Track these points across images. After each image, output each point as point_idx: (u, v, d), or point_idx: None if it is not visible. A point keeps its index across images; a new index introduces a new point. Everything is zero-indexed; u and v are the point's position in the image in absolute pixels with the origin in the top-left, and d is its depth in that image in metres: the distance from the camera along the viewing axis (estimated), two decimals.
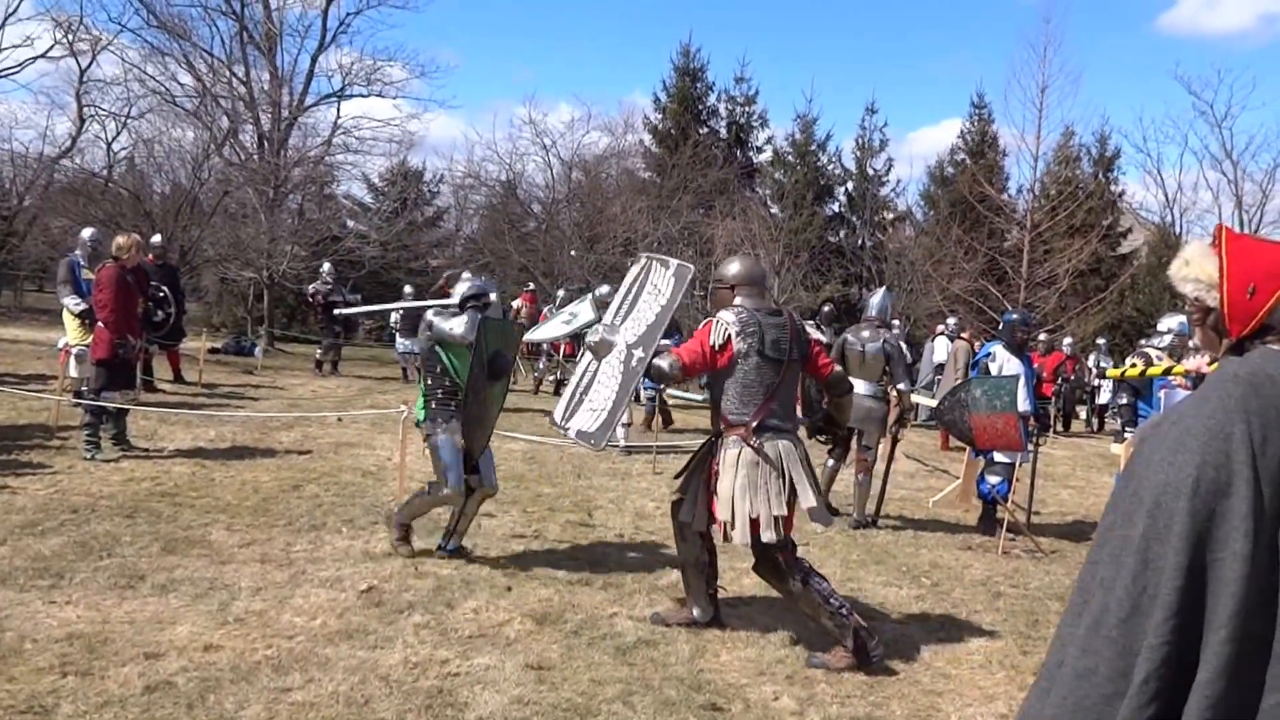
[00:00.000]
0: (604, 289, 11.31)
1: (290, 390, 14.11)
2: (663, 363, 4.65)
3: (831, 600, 4.52)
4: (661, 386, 15.18)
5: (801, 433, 5.16)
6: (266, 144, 24.11)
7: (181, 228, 18.00)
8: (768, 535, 4.42)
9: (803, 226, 28.20)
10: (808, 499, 4.53)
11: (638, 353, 4.79)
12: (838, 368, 5.10)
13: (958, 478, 9.23)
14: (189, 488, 7.31)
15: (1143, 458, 2.30)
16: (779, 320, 4.73)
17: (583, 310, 10.90)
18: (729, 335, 4.59)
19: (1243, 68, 67.25)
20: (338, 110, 26.44)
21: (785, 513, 4.46)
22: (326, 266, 17.84)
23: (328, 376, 16.44)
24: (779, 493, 4.47)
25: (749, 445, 4.52)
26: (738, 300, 4.76)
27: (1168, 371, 7.22)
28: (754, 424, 4.57)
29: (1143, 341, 9.58)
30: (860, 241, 30.44)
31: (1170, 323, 8.25)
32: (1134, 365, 8.05)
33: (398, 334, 17.73)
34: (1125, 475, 2.37)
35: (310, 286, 17.66)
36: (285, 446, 9.28)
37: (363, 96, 26.75)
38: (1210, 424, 2.21)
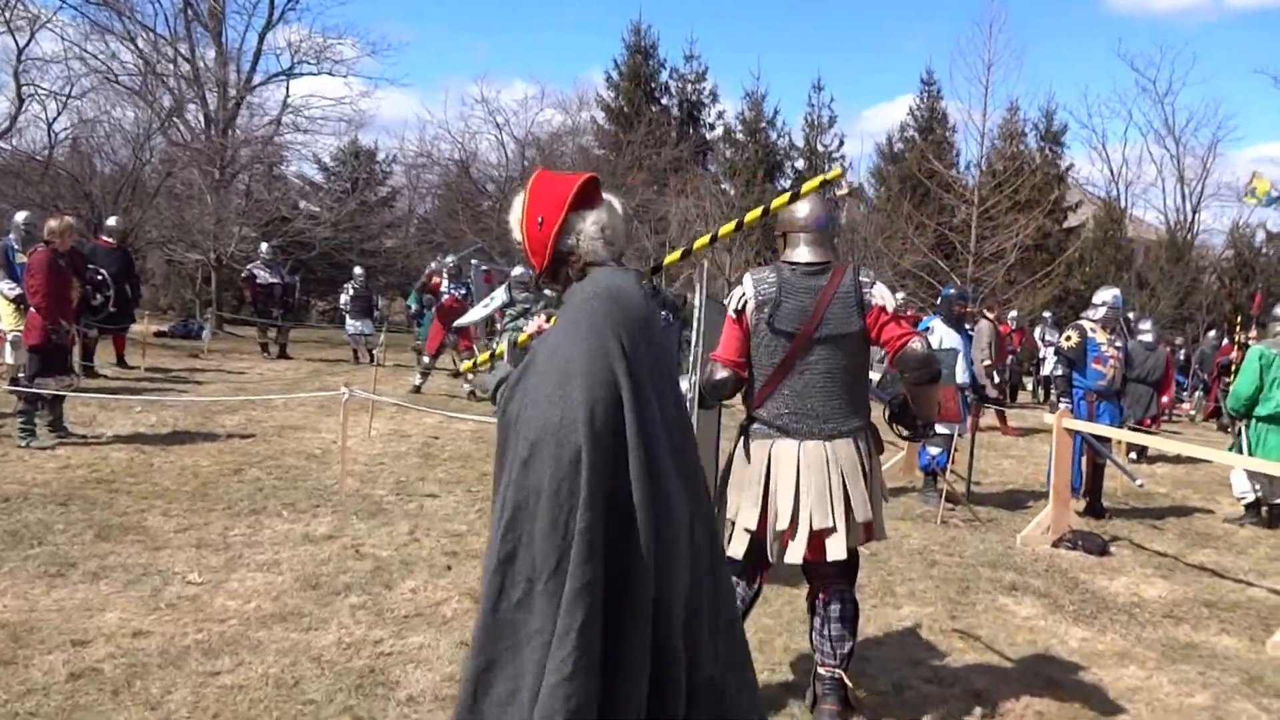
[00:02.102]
0: (518, 270, 11.40)
1: (237, 374, 13.93)
2: (713, 374, 3.77)
3: None
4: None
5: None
6: (212, 124, 23.66)
7: (123, 209, 17.61)
8: (734, 546, 3.63)
9: (755, 204, 28.26)
10: (780, 521, 3.57)
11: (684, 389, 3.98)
12: (915, 344, 3.56)
13: (903, 449, 9.35)
14: (126, 474, 7.21)
15: (528, 398, 2.30)
16: (814, 283, 3.61)
17: (498, 293, 11.17)
18: (745, 303, 3.68)
19: (1184, 44, 68.32)
20: (286, 89, 26.08)
21: (753, 526, 3.61)
22: (264, 247, 17.56)
23: (276, 359, 16.24)
24: (754, 503, 3.62)
25: (742, 436, 3.77)
26: (785, 256, 3.76)
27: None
28: (751, 410, 3.74)
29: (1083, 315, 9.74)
30: None
31: (1105, 295, 8.36)
32: (1068, 337, 8.19)
33: (348, 315, 17.55)
34: (508, 423, 2.37)
35: (247, 268, 17.35)
36: (228, 430, 9.18)
37: (312, 75, 26.40)
38: (588, 346, 2.25)
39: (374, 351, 15.92)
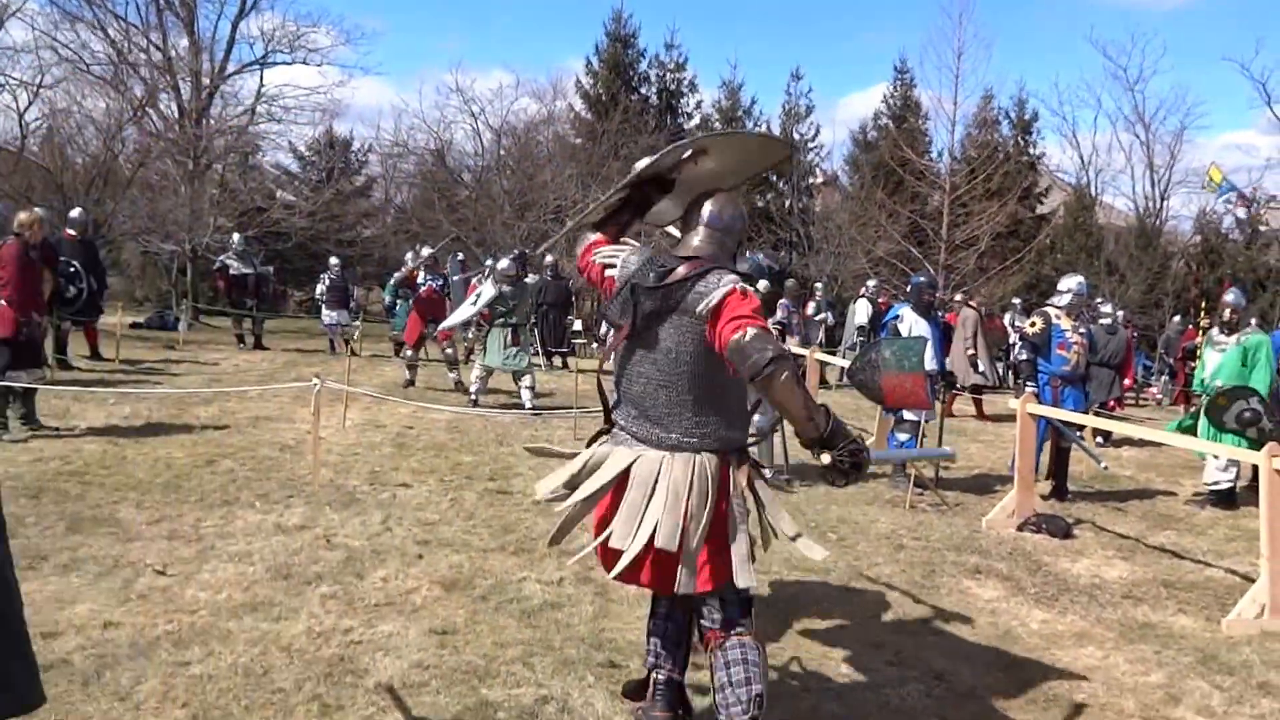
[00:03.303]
0: (504, 263, 11.40)
1: (212, 365, 13.88)
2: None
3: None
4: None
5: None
6: (186, 113, 23.47)
7: (95, 201, 17.47)
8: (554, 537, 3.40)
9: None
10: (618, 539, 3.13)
11: None
12: (741, 333, 2.96)
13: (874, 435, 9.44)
14: (99, 466, 7.19)
15: None
16: (653, 265, 3.27)
17: (486, 289, 11.11)
18: (613, 270, 3.39)
19: (1154, 32, 68.67)
20: (260, 78, 25.89)
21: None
22: (236, 238, 17.44)
23: (251, 350, 16.16)
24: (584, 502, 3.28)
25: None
26: (679, 244, 3.44)
27: None
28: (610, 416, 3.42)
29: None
30: (788, 206, 30.63)
31: (1070, 283, 8.46)
32: (1033, 323, 8.29)
33: (324, 306, 17.46)
34: None
35: (219, 259, 17.22)
36: (202, 422, 9.16)
37: (286, 64, 26.22)
38: None
39: (350, 342, 15.87)
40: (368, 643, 4.25)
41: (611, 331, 3.36)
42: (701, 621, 3.25)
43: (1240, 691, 4.26)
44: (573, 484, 3.31)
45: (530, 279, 13.03)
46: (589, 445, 3.43)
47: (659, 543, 3.02)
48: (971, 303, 14.01)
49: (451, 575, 5.19)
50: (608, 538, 3.16)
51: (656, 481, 3.11)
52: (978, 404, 13.60)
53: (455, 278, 15.28)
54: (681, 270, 3.18)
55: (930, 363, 7.87)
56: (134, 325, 18.69)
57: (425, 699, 3.76)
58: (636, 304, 3.20)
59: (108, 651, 4.00)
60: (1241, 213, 29.62)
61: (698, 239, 3.34)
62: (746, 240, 26.18)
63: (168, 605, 4.55)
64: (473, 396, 11.08)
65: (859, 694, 4.00)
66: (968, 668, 4.33)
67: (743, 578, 3.09)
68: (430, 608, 4.70)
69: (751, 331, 2.96)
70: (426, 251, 15.52)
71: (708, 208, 3.38)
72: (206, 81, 24.27)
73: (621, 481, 3.20)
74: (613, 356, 3.43)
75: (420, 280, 14.18)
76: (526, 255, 12.59)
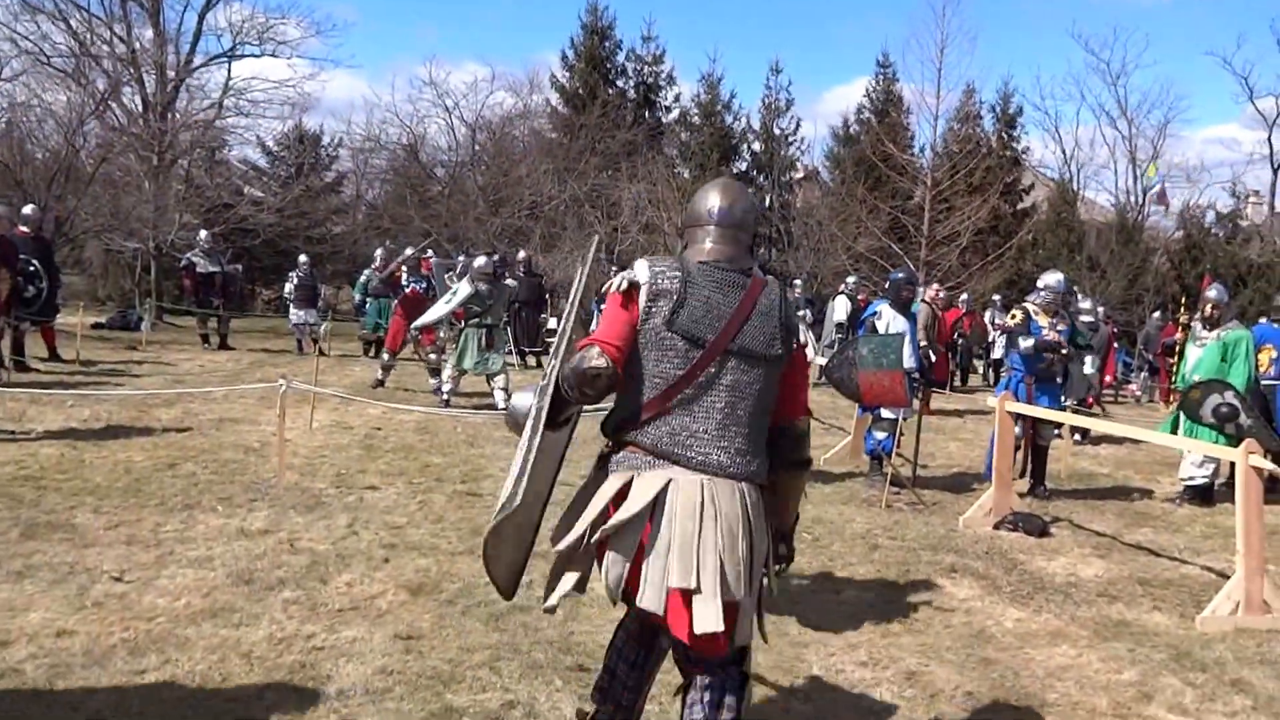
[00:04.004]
0: (480, 260, 11.24)
1: (176, 366, 13.63)
2: (585, 359, 2.76)
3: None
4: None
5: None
6: (150, 107, 23.10)
7: (56, 197, 17.14)
8: (564, 583, 2.91)
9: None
10: (613, 570, 2.74)
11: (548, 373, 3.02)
12: (803, 420, 2.99)
13: (849, 434, 9.41)
14: (56, 470, 7.01)
15: None
16: (728, 281, 2.87)
17: (461, 287, 10.93)
18: (637, 284, 2.84)
19: (1136, 25, 69.23)
20: (228, 71, 25.53)
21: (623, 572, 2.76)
22: (203, 235, 17.15)
23: (216, 350, 15.90)
24: (630, 543, 2.76)
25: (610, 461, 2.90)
26: (688, 251, 3.01)
27: None
28: (623, 432, 2.87)
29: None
30: (768, 201, 30.64)
31: (1049, 279, 8.46)
32: (1013, 316, 8.29)
33: (292, 305, 17.21)
34: None
35: (185, 256, 16.93)
36: (164, 424, 8.98)
37: (255, 56, 25.88)
38: None
39: (317, 341, 15.65)
40: (331, 649, 4.15)
41: (675, 344, 2.80)
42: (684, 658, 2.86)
43: (1213, 689, 4.24)
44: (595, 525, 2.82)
45: (510, 282, 12.85)
46: (599, 475, 2.96)
47: (728, 596, 2.64)
48: (925, 297, 14.00)
49: (418, 579, 5.08)
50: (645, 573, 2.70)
51: (702, 510, 2.69)
52: (926, 398, 13.47)
53: (447, 274, 15.05)
54: (755, 282, 2.89)
55: (909, 360, 7.83)
56: (95, 325, 18.36)
57: (389, 705, 3.67)
58: (740, 325, 2.82)
59: (61, 660, 3.88)
60: (1159, 208, 29.88)
61: (711, 241, 2.95)
62: None
63: (124, 612, 4.43)
64: (444, 397, 10.92)
65: (830, 695, 3.94)
66: (941, 667, 4.28)
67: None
68: (396, 612, 4.61)
69: (806, 421, 3.01)
70: (410, 251, 15.29)
71: (714, 203, 2.99)
72: (172, 74, 23.88)
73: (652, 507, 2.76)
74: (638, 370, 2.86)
75: (404, 282, 14.03)
76: (506, 257, 12.43)
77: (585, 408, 3.03)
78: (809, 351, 3.43)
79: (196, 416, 9.46)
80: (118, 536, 5.56)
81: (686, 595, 2.63)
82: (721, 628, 2.59)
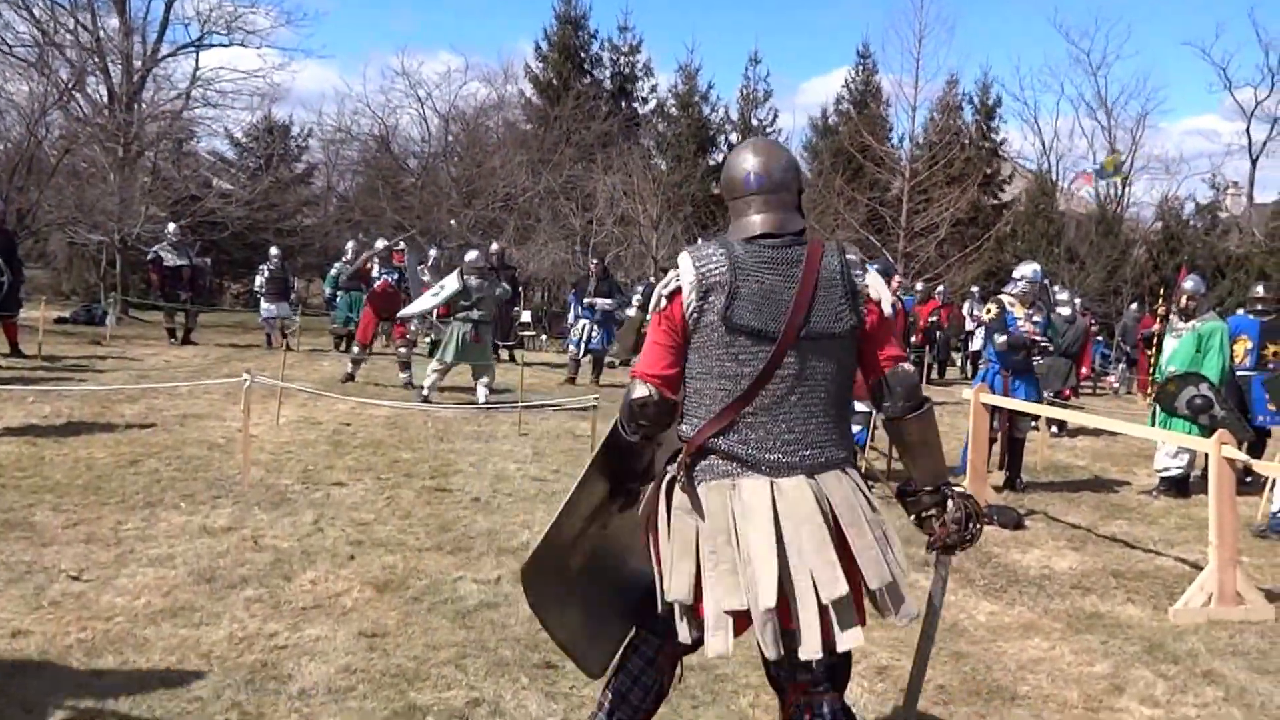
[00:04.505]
0: (471, 255, 11.07)
1: (141, 361, 13.39)
2: (630, 392, 2.66)
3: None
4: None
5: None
6: (116, 98, 22.73)
7: (18, 188, 16.81)
8: (716, 642, 2.48)
9: (685, 179, 28.19)
10: (764, 596, 2.41)
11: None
12: (908, 365, 2.70)
13: None
14: (15, 468, 6.85)
15: None
16: (784, 258, 2.60)
17: (450, 281, 10.70)
18: (677, 287, 2.62)
19: (1118, 16, 69.33)
20: (196, 61, 25.18)
21: (742, 605, 2.45)
22: (171, 227, 16.88)
23: (181, 346, 15.66)
24: (731, 571, 2.48)
25: (679, 480, 2.63)
26: (733, 227, 2.73)
27: None
28: (699, 442, 2.60)
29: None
30: None
31: (1024, 270, 8.41)
32: (989, 310, 8.27)
33: (263, 298, 16.98)
34: None
35: (152, 250, 16.66)
36: (127, 420, 8.81)
37: (223, 46, 25.53)
38: None
39: (287, 335, 15.45)
40: (293, 647, 4.07)
41: (736, 340, 2.56)
42: (781, 672, 2.63)
43: (1185, 680, 4.23)
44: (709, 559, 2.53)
45: (505, 287, 12.63)
46: (668, 497, 2.67)
47: (873, 584, 2.51)
48: (891, 287, 14.03)
49: (384, 576, 5.00)
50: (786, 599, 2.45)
51: (820, 511, 2.49)
52: None
53: (420, 266, 14.86)
54: (812, 252, 2.61)
55: None
56: (59, 320, 18.07)
57: (351, 704, 3.60)
58: (805, 303, 2.55)
59: (15, 661, 3.78)
60: (1086, 192, 30.01)
61: (756, 211, 2.67)
62: (699, 227, 26.18)
63: (81, 612, 4.33)
64: (424, 394, 10.65)
65: None
66: (911, 661, 4.22)
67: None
68: (361, 610, 4.52)
69: (914, 367, 2.71)
70: (381, 244, 15.07)
71: (750, 166, 2.69)
72: (138, 64, 23.51)
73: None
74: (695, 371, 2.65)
75: (375, 274, 13.84)
76: (505, 253, 12.19)
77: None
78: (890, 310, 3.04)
79: (161, 412, 9.30)
80: (77, 535, 5.44)
81: (825, 610, 2.43)
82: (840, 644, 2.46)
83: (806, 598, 2.42)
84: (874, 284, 2.63)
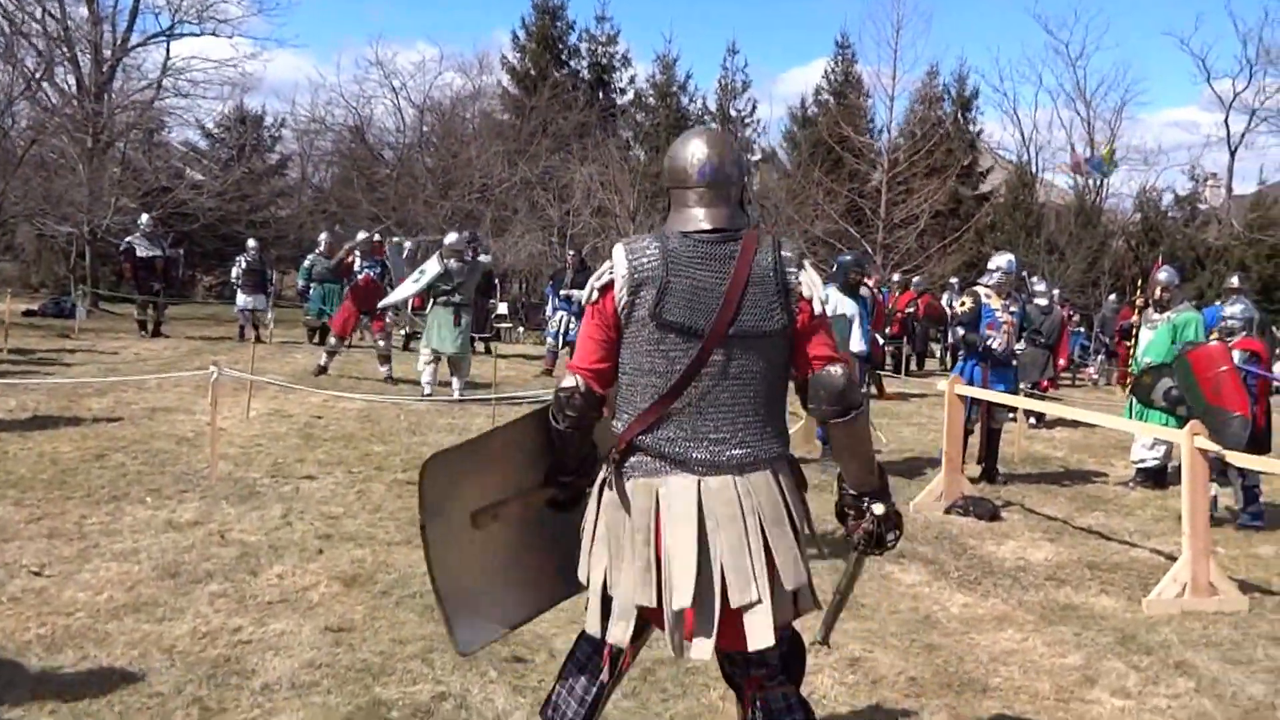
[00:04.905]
0: (452, 237, 10.87)
1: (110, 354, 13.24)
2: (560, 382, 2.68)
3: None
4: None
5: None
6: (84, 88, 22.41)
7: None
8: (616, 631, 2.56)
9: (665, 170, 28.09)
10: (679, 597, 2.44)
11: None
12: (836, 369, 2.57)
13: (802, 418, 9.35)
14: None
15: None
16: (718, 254, 2.56)
17: (430, 265, 10.50)
18: (609, 280, 2.59)
19: (1098, 7, 69.50)
20: (167, 50, 24.85)
21: (650, 601, 2.49)
22: (144, 218, 16.65)
23: (153, 338, 15.46)
24: (645, 567, 2.50)
25: (609, 477, 2.62)
26: (672, 221, 2.67)
27: None
28: (628, 438, 2.58)
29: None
30: None
31: (1000, 261, 8.39)
32: (963, 302, 8.25)
33: (240, 290, 16.74)
34: None
35: (125, 240, 16.44)
36: (94, 414, 8.68)
37: (195, 35, 25.22)
38: None
39: (259, 328, 15.28)
40: (257, 642, 4.02)
41: (672, 338, 2.53)
42: (735, 670, 2.66)
43: (1157, 671, 4.22)
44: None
45: (484, 258, 12.47)
46: (599, 493, 2.66)
47: (789, 585, 2.48)
48: (868, 281, 14.01)
49: (352, 570, 4.93)
50: (700, 599, 2.45)
51: (743, 512, 2.48)
52: (878, 383, 13.44)
53: (401, 257, 14.70)
54: (746, 248, 2.55)
55: (857, 343, 7.76)
56: (27, 313, 17.83)
57: (315, 699, 3.54)
58: (735, 299, 2.51)
59: None
60: (1063, 180, 30.07)
61: (699, 204, 2.62)
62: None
63: (42, 608, 4.26)
64: (425, 391, 10.34)
65: None
66: (884, 653, 4.21)
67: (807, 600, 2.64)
68: (327, 604, 4.46)
69: (848, 374, 2.57)
70: (363, 235, 14.86)
71: (698, 157, 2.63)
72: (108, 54, 23.18)
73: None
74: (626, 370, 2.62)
75: (357, 267, 13.68)
76: (477, 235, 12.01)
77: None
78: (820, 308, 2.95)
79: (129, 406, 9.17)
80: (39, 530, 5.36)
81: (738, 611, 2.44)
82: (768, 640, 2.44)
83: (711, 599, 2.44)
84: (807, 281, 2.58)
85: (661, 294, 2.50)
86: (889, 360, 16.16)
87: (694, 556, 2.44)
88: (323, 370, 11.76)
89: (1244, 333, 7.46)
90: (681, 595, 2.42)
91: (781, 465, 2.60)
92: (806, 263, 2.61)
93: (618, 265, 2.56)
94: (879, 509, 2.65)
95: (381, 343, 12.01)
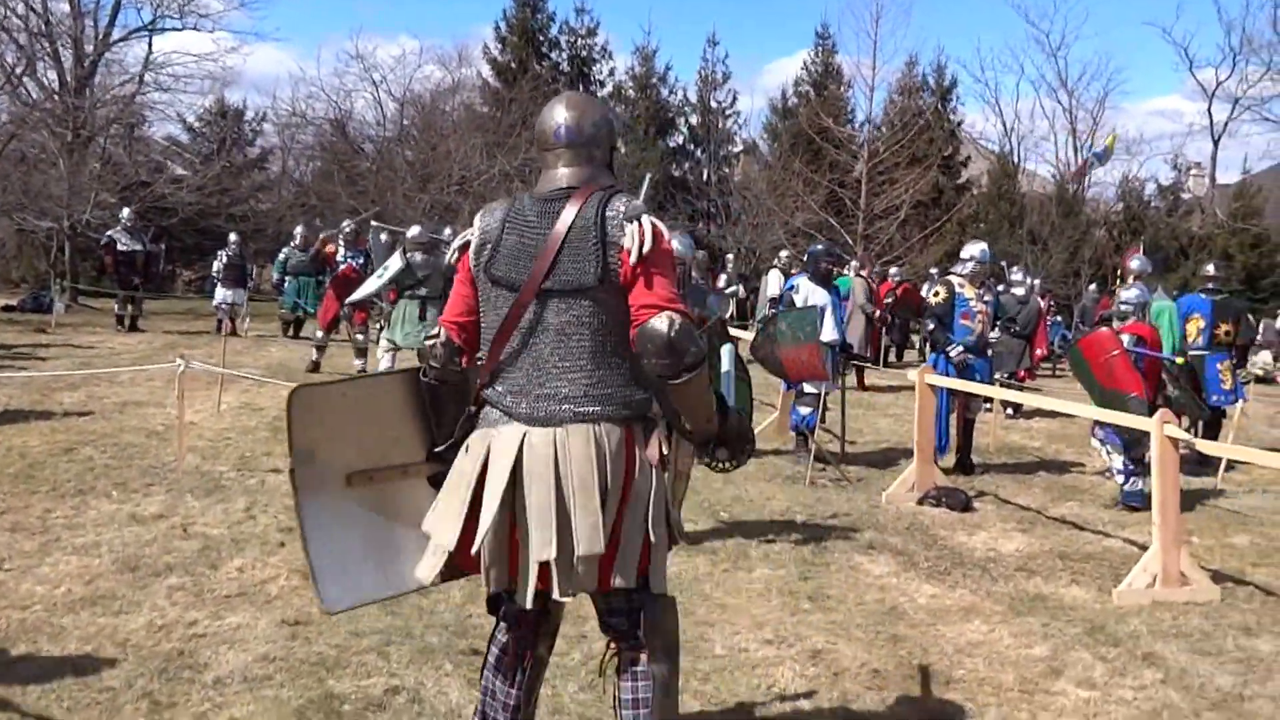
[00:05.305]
0: (415, 230, 10.76)
1: (86, 348, 13.14)
2: (429, 334, 2.81)
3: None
4: None
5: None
6: (66, 83, 22.24)
7: None
8: (423, 569, 2.67)
9: (642, 161, 28.01)
10: (539, 544, 2.48)
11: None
12: (659, 322, 2.47)
13: (776, 410, 9.32)
14: None
15: None
16: (548, 212, 2.61)
17: (393, 261, 10.37)
18: (466, 242, 2.73)
19: None
20: (149, 45, 24.67)
21: (449, 543, 2.56)
22: (126, 212, 16.54)
23: (129, 332, 15.36)
24: (457, 511, 2.55)
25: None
26: (539, 180, 2.75)
27: None
28: (477, 390, 2.68)
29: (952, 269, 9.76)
30: (705, 175, 30.43)
31: (973, 250, 8.30)
32: (936, 293, 8.20)
33: (220, 284, 16.60)
34: None
35: (106, 234, 16.32)
36: (65, 408, 8.61)
37: (177, 30, 25.03)
38: None
39: (236, 321, 15.17)
40: (212, 636, 3.98)
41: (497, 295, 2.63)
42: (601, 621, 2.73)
43: (1124, 663, 4.17)
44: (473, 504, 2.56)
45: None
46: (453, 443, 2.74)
47: (581, 550, 2.45)
48: (863, 272, 13.99)
49: None
50: (506, 544, 2.54)
51: (557, 470, 2.48)
52: (859, 374, 13.38)
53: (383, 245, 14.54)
54: (572, 206, 2.56)
55: (830, 333, 7.72)
56: (6, 308, 17.72)
57: (267, 693, 3.49)
58: (529, 254, 2.57)
59: None
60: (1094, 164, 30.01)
61: (563, 165, 2.67)
62: (659, 210, 26.00)
63: None
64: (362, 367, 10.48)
65: (730, 674, 3.81)
66: (848, 645, 4.17)
67: (659, 580, 2.66)
68: (286, 598, 4.41)
69: (679, 322, 2.48)
70: (347, 225, 14.69)
71: (560, 119, 2.69)
72: (90, 49, 23.00)
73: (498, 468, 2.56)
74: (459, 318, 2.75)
75: (340, 257, 13.52)
76: (441, 231, 11.80)
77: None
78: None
79: (101, 400, 9.10)
80: (2, 524, 5.34)
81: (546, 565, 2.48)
82: (560, 595, 2.51)
83: (531, 551, 2.49)
84: (632, 232, 2.52)
85: (494, 251, 2.63)
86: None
87: (497, 505, 2.48)
88: (315, 367, 11.62)
89: (1135, 317, 7.52)
90: (493, 541, 2.52)
91: (613, 425, 2.55)
92: (646, 218, 2.55)
93: (474, 228, 2.72)
94: (723, 453, 2.87)
95: (359, 335, 11.89)
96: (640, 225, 2.53)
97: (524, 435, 2.53)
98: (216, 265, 16.97)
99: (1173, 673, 4.09)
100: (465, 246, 2.73)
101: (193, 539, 5.20)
